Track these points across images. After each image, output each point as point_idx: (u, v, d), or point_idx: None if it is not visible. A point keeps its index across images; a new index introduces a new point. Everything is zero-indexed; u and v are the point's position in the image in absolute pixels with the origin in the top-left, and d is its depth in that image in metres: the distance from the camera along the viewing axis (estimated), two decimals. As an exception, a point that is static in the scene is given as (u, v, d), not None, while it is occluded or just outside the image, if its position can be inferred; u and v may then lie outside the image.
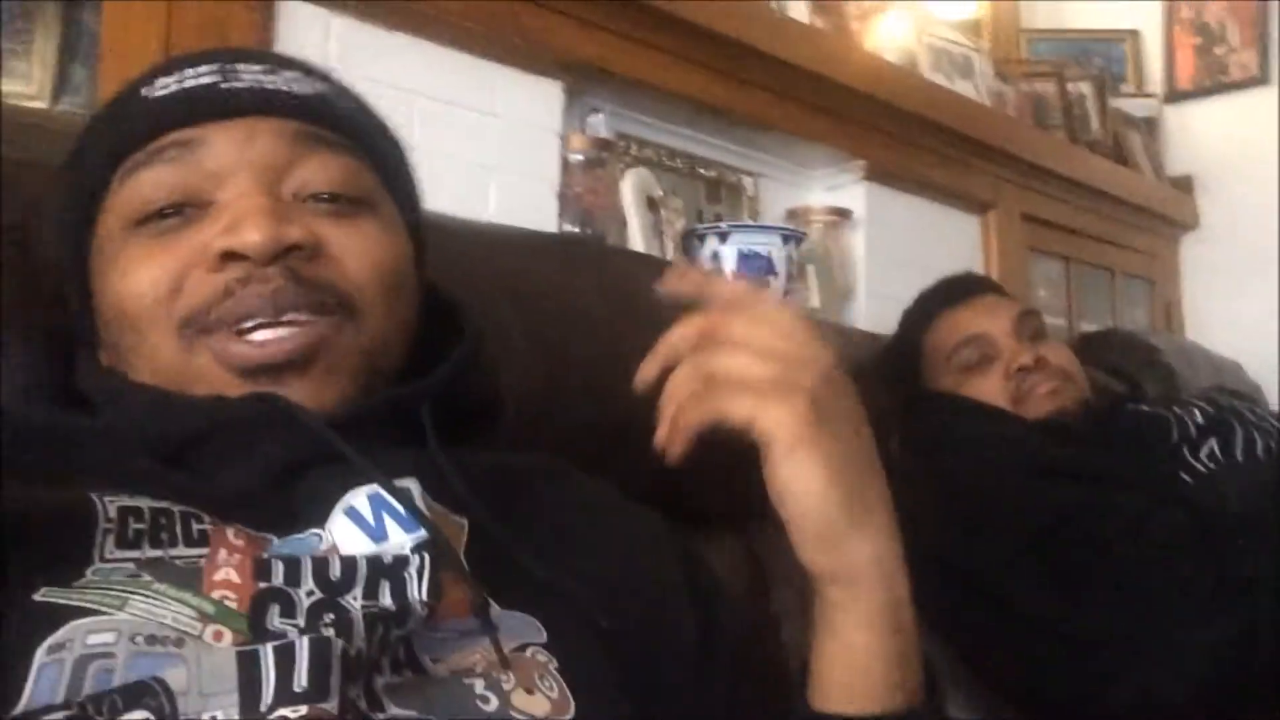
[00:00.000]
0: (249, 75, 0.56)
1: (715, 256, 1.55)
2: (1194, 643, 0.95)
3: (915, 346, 1.35)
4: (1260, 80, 2.58)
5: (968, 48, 2.15)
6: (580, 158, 1.47)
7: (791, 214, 1.85)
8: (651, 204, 1.57)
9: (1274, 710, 0.98)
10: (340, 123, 0.58)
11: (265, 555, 0.47)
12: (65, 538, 0.44)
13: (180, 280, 0.52)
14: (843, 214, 1.86)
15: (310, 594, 0.46)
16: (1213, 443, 1.19)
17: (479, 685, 0.46)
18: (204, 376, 0.52)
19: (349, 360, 0.54)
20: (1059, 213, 2.30)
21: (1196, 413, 1.23)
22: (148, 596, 0.43)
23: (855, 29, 1.97)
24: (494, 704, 0.45)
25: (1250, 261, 2.56)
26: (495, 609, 0.50)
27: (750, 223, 1.71)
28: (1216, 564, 0.98)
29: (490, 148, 1.36)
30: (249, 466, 0.50)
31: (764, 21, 1.65)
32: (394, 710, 0.43)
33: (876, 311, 1.80)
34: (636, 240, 1.51)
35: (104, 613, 0.42)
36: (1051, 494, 1.09)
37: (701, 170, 1.77)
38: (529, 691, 0.47)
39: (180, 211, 0.53)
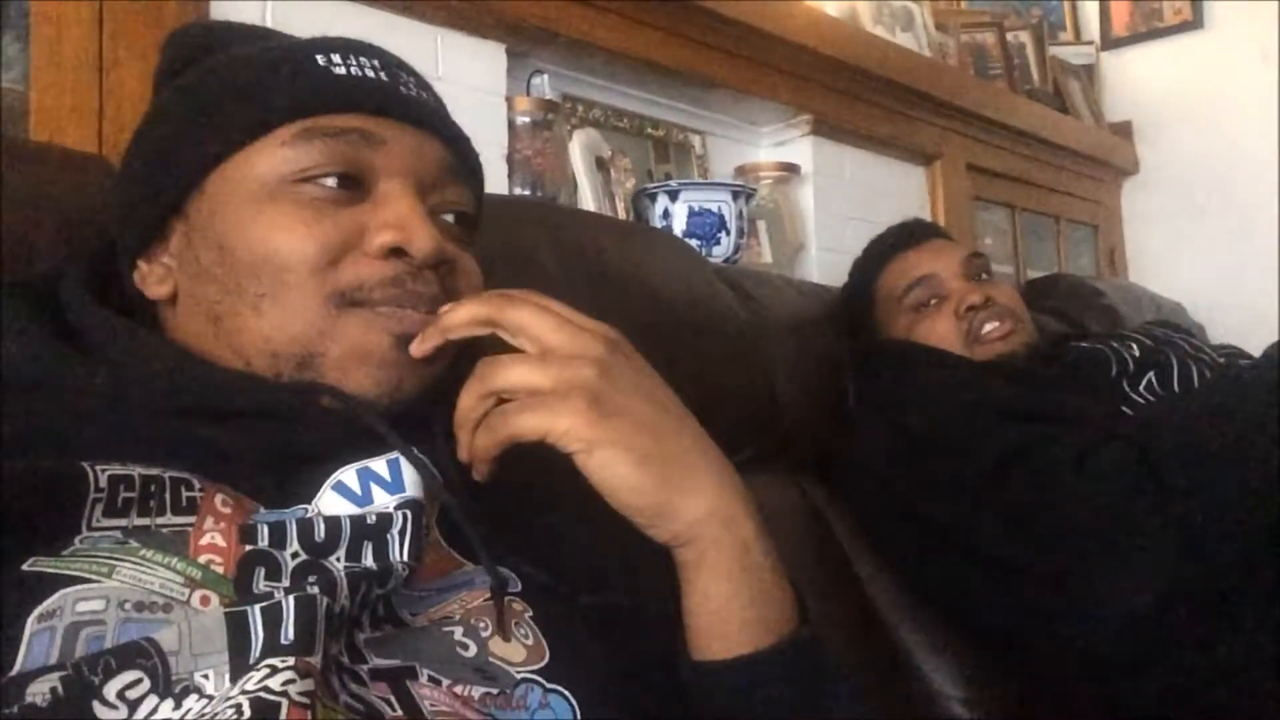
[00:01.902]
0: (412, 85, 0.62)
1: (666, 215, 1.56)
2: (1138, 569, 0.98)
3: (868, 291, 1.38)
4: (1194, 25, 2.63)
5: (908, 0, 2.16)
6: (527, 120, 1.46)
7: (740, 171, 1.86)
8: (601, 164, 1.57)
9: (1214, 641, 1.02)
10: (470, 160, 0.64)
11: (251, 521, 0.48)
12: (55, 507, 0.45)
13: (338, 254, 0.55)
14: (791, 169, 1.87)
15: (295, 556, 0.47)
16: (1151, 375, 1.23)
17: (458, 632, 0.48)
18: (350, 342, 0.55)
19: (445, 359, 0.57)
20: (1003, 162, 2.33)
21: (1134, 346, 1.27)
22: (135, 563, 0.44)
23: (797, -16, 1.98)
24: (473, 650, 0.47)
25: (1189, 204, 2.62)
26: (470, 566, 0.52)
27: (700, 180, 1.72)
28: (1159, 494, 1.01)
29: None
30: (266, 446, 0.52)
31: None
32: (376, 661, 0.44)
33: (828, 264, 1.83)
34: (587, 201, 1.51)
35: (92, 580, 0.43)
36: (1002, 434, 1.11)
37: (649, 130, 1.78)
38: (506, 638, 0.49)
39: (345, 186, 0.57)
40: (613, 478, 0.50)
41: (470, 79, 1.40)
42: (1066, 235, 2.57)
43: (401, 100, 0.60)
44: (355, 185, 0.57)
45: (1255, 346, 1.21)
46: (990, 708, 1.15)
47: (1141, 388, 1.22)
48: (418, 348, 0.54)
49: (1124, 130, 2.71)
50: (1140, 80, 2.74)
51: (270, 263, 0.55)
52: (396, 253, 0.56)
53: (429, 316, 0.55)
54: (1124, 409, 1.20)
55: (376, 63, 0.61)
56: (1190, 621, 1.00)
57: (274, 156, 0.56)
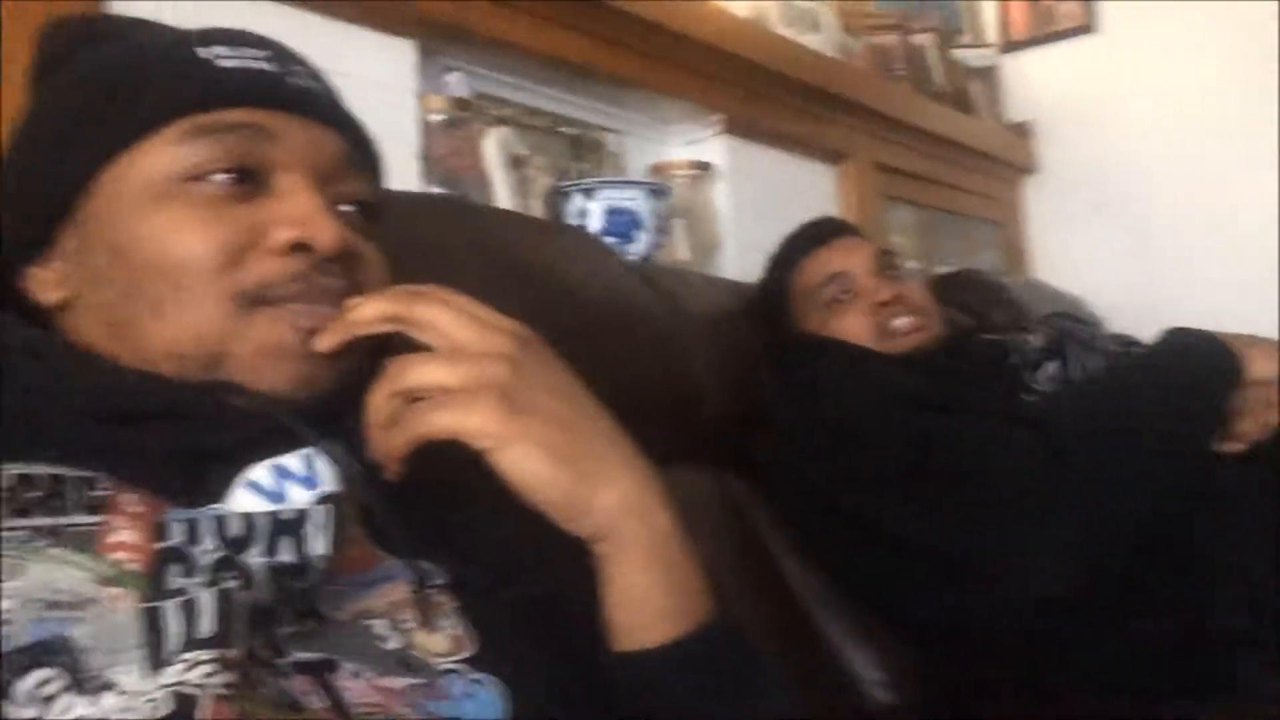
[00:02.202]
0: (304, 75, 0.61)
1: (583, 213, 1.56)
2: (1048, 552, 1.02)
3: (783, 288, 1.40)
4: (1087, 28, 2.73)
5: (815, 2, 2.20)
6: (440, 118, 1.45)
7: (654, 169, 1.87)
8: (515, 163, 1.57)
9: (1125, 618, 1.06)
10: (367, 149, 0.64)
11: (163, 518, 0.47)
12: None
13: (239, 253, 0.54)
14: (704, 168, 1.89)
15: (211, 552, 0.46)
16: (1052, 365, 1.27)
17: (380, 625, 0.48)
18: (257, 341, 0.54)
19: (356, 354, 0.56)
20: (909, 161, 2.38)
21: (1035, 338, 1.32)
22: (44, 562, 0.43)
23: (707, -15, 2.00)
24: (396, 642, 0.47)
25: (1087, 202, 2.71)
26: (391, 560, 0.52)
27: (616, 179, 1.72)
28: (1064, 479, 1.05)
29: (348, 112, 1.33)
30: (174, 447, 0.51)
31: (618, -22, 1.65)
32: (297, 654, 0.44)
33: (743, 262, 1.85)
34: (503, 200, 1.51)
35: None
36: (914, 425, 1.14)
37: (563, 128, 1.78)
38: (430, 630, 0.48)
39: (241, 182, 0.56)
40: (526, 474, 0.50)
41: (380, 76, 1.38)
42: (971, 232, 2.64)
43: (293, 91, 0.59)
44: (251, 181, 0.56)
45: (1148, 337, 1.27)
46: (909, 691, 1.18)
47: (1044, 377, 1.27)
48: (322, 342, 0.54)
49: (1024, 130, 2.80)
50: (1038, 82, 2.83)
51: (168, 266, 0.54)
52: (299, 248, 0.55)
53: (336, 310, 0.55)
54: (1028, 398, 1.24)
55: (264, 53, 0.59)
56: (1101, 601, 1.04)
57: (163, 155, 0.55)
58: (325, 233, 0.55)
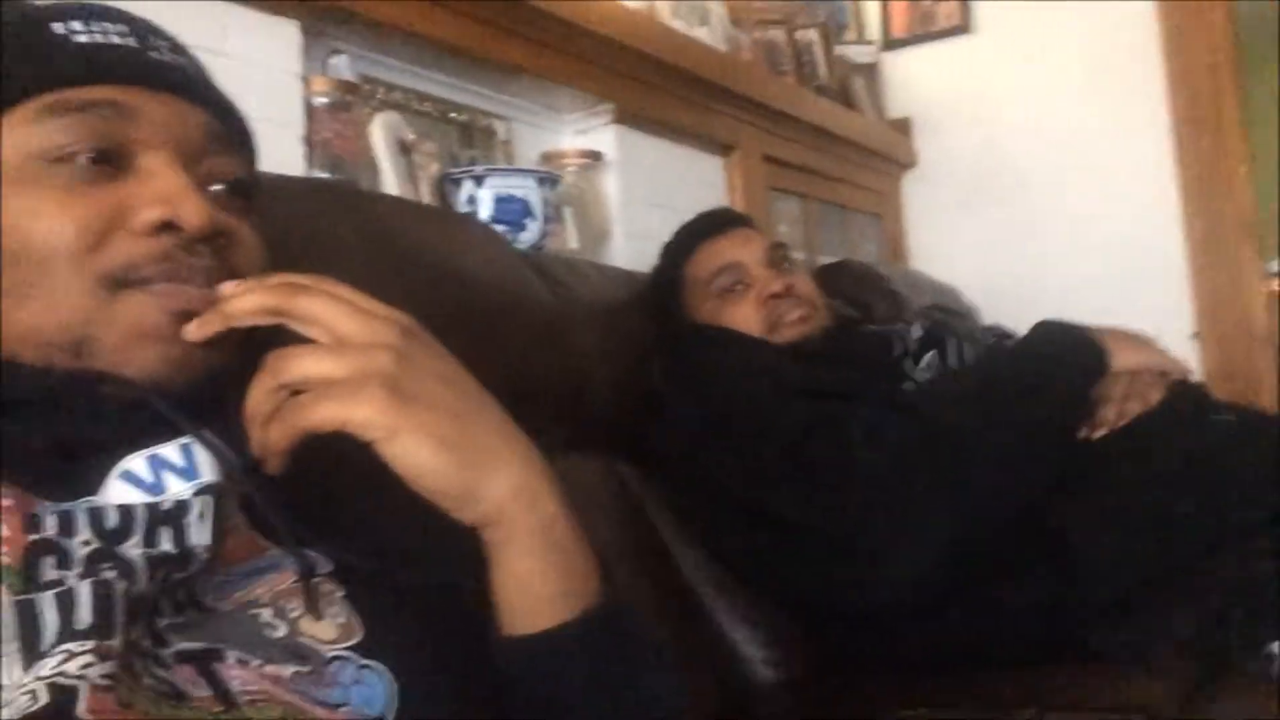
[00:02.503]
0: (166, 50, 0.58)
1: (472, 200, 1.55)
2: (920, 531, 1.06)
3: (677, 275, 1.43)
4: (964, 29, 2.83)
5: (704, -4, 2.22)
6: (325, 101, 1.42)
7: (545, 157, 1.87)
8: (403, 148, 1.55)
9: (991, 592, 1.11)
10: (237, 126, 0.62)
11: (35, 511, 0.46)
12: None
13: (102, 236, 0.53)
14: (594, 156, 1.89)
15: (86, 544, 0.45)
16: (930, 355, 1.33)
17: (266, 614, 0.47)
18: (125, 324, 0.52)
19: (234, 339, 0.55)
20: (795, 153, 2.43)
21: (915, 329, 1.37)
22: None
23: (598, -26, 2.00)
24: (282, 630, 0.47)
25: (963, 196, 2.82)
26: (276, 550, 0.51)
27: (506, 166, 1.71)
28: (938, 462, 1.09)
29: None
30: (46, 438, 0.49)
31: (509, -35, 1.64)
32: (180, 644, 0.43)
33: (632, 250, 1.86)
34: (390, 185, 1.49)
35: None
36: (799, 411, 1.18)
37: (453, 115, 1.76)
38: (316, 617, 0.48)
39: (101, 162, 0.54)
40: (415, 463, 0.50)
41: (263, 57, 1.35)
42: (854, 224, 2.71)
43: (154, 66, 0.57)
44: (112, 161, 0.54)
45: (1022, 325, 1.33)
46: (792, 667, 1.21)
47: (922, 367, 1.32)
48: (195, 331, 0.52)
49: (903, 126, 2.88)
50: (918, 79, 2.92)
51: (29, 251, 0.51)
52: (166, 228, 0.53)
53: (207, 291, 0.53)
54: (907, 385, 1.29)
55: (123, 27, 0.57)
56: (970, 575, 1.09)
57: (18, 135, 0.53)
58: (191, 211, 0.53)
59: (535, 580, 0.53)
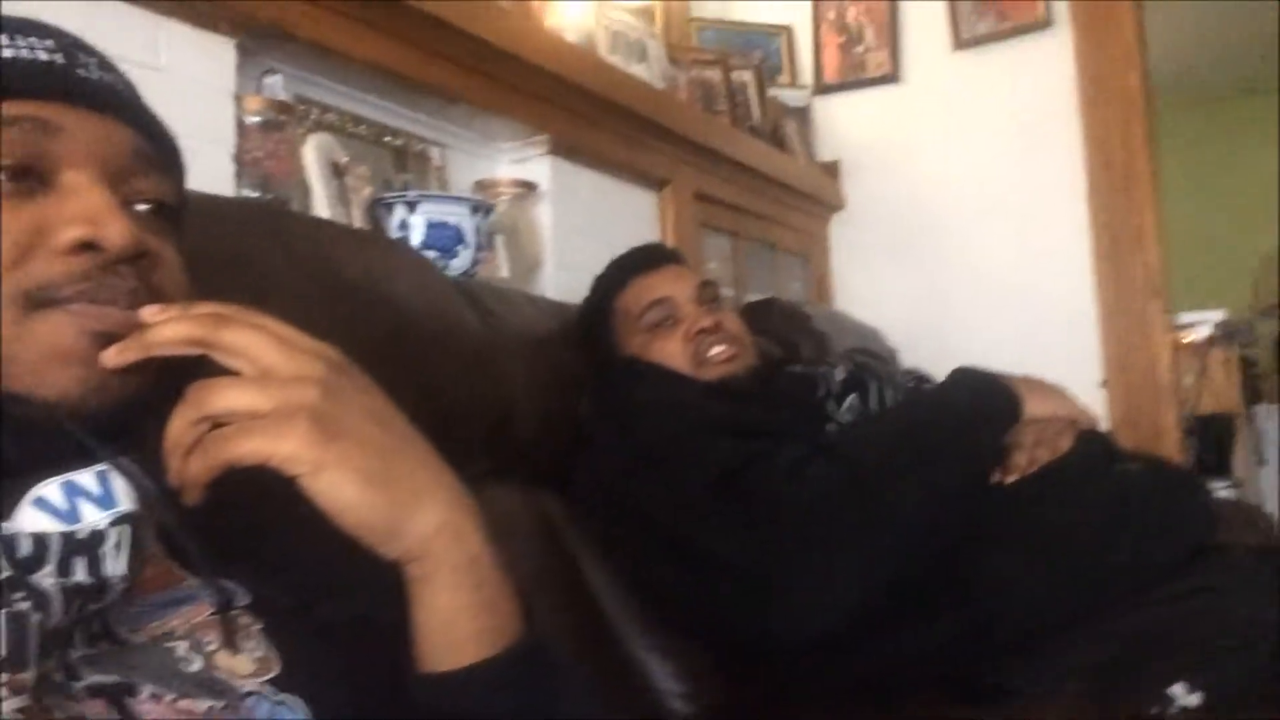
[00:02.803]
0: (94, 67, 0.58)
1: (404, 226, 1.55)
2: (841, 570, 1.08)
3: (607, 309, 1.44)
4: (893, 78, 2.91)
5: (642, 33, 2.25)
6: (257, 120, 1.40)
7: (479, 185, 1.87)
8: (336, 171, 1.53)
9: (909, 628, 1.14)
10: (166, 146, 0.61)
11: None
12: None
13: (22, 253, 0.52)
14: (529, 187, 1.90)
15: None
16: (852, 398, 1.35)
17: (181, 647, 0.46)
18: (41, 345, 0.51)
19: (154, 365, 0.53)
20: (726, 192, 2.47)
21: (839, 371, 1.40)
22: None
23: (537, 8, 2.02)
24: (197, 664, 0.46)
25: (888, 240, 2.88)
26: (194, 581, 0.50)
27: (439, 193, 1.71)
28: (858, 503, 1.11)
29: (153, 106, 1.27)
30: None
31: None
32: (92, 678, 0.42)
33: (563, 282, 1.87)
34: (322, 208, 1.47)
35: None
36: (724, 449, 1.19)
37: (388, 139, 1.75)
38: (233, 651, 0.47)
39: (22, 179, 0.53)
40: (340, 500, 0.49)
41: (196, 73, 1.33)
42: (782, 263, 2.76)
43: (80, 83, 0.56)
44: (33, 178, 0.53)
45: (942, 367, 1.37)
46: (709, 701, 1.22)
47: (844, 408, 1.35)
48: (113, 357, 0.51)
49: (833, 169, 2.94)
50: (847, 124, 2.99)
51: None
52: (88, 247, 0.52)
53: (129, 313, 0.52)
54: (829, 428, 1.32)
55: (50, 43, 0.56)
56: (888, 613, 1.11)
57: None
58: (114, 231, 0.52)
59: (458, 617, 0.53)
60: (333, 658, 0.52)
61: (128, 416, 0.53)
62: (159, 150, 0.60)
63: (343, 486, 0.49)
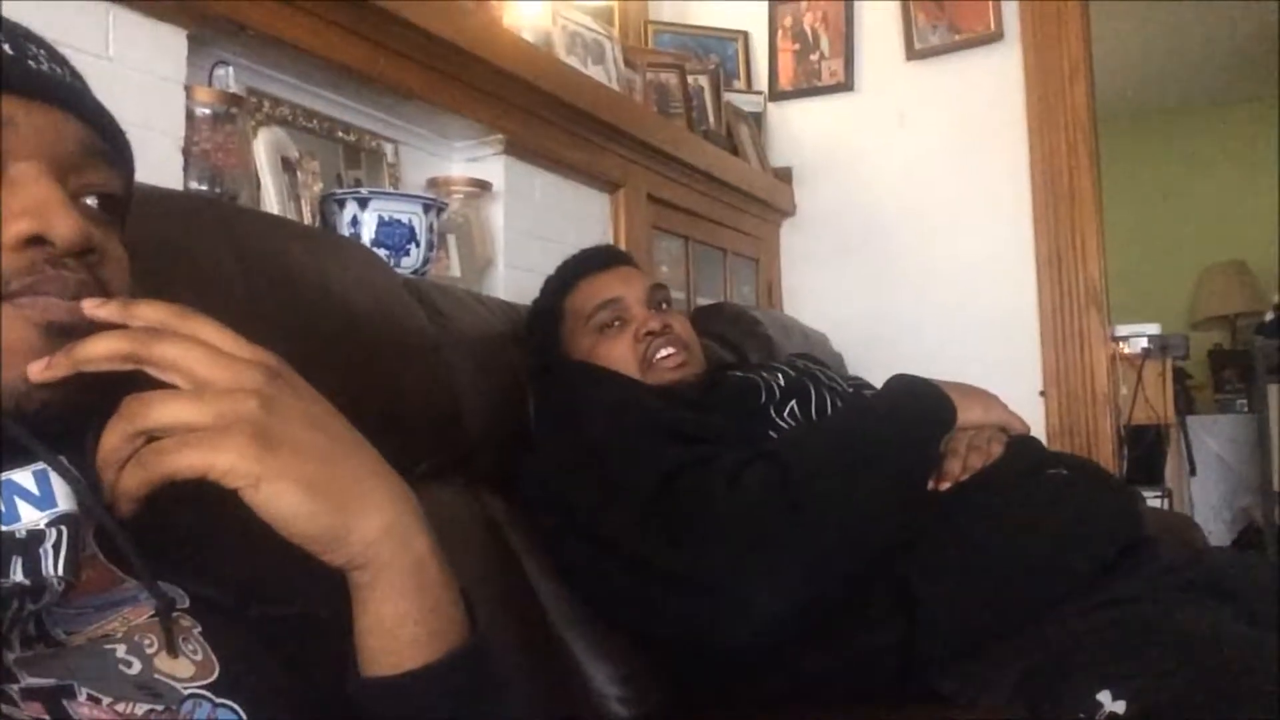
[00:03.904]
0: (44, 59, 0.57)
1: (355, 222, 1.54)
2: (779, 575, 1.09)
3: (557, 308, 1.44)
4: (846, 86, 2.94)
5: (600, 34, 2.26)
6: (207, 112, 1.39)
7: (432, 183, 1.86)
8: (287, 165, 1.52)
9: (846, 635, 1.16)
10: (115, 139, 0.60)
11: None
12: None
13: None
14: (483, 186, 1.90)
15: None
16: (794, 403, 1.37)
17: (120, 650, 0.46)
18: None
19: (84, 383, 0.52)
20: (680, 195, 2.48)
21: (780, 377, 1.42)
22: None
23: (494, 7, 2.02)
24: (137, 667, 0.46)
25: (837, 246, 2.92)
26: (133, 583, 0.50)
27: (392, 190, 1.71)
28: (797, 508, 1.13)
29: (101, 95, 1.25)
30: None
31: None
32: (29, 680, 0.42)
33: (514, 281, 1.87)
34: (271, 202, 1.46)
35: None
36: (666, 452, 1.20)
37: (341, 134, 1.74)
38: (174, 654, 0.48)
39: None
40: (283, 510, 0.49)
41: (145, 63, 1.31)
42: (732, 267, 2.78)
43: (30, 75, 0.55)
44: None
45: (888, 372, 1.39)
46: (647, 706, 1.23)
47: (786, 414, 1.36)
48: (39, 373, 0.50)
49: (785, 175, 2.97)
50: (800, 131, 3.02)
51: None
52: (35, 241, 0.51)
53: (74, 304, 0.52)
54: (771, 432, 1.33)
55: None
56: (825, 620, 1.13)
57: None
58: (63, 225, 0.51)
59: (399, 622, 0.53)
60: (271, 662, 0.52)
61: (69, 416, 0.52)
62: (108, 143, 0.59)
63: (284, 497, 0.49)
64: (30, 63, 0.56)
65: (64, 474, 0.50)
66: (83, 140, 0.57)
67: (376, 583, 0.52)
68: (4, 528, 0.47)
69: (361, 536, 0.51)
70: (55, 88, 0.56)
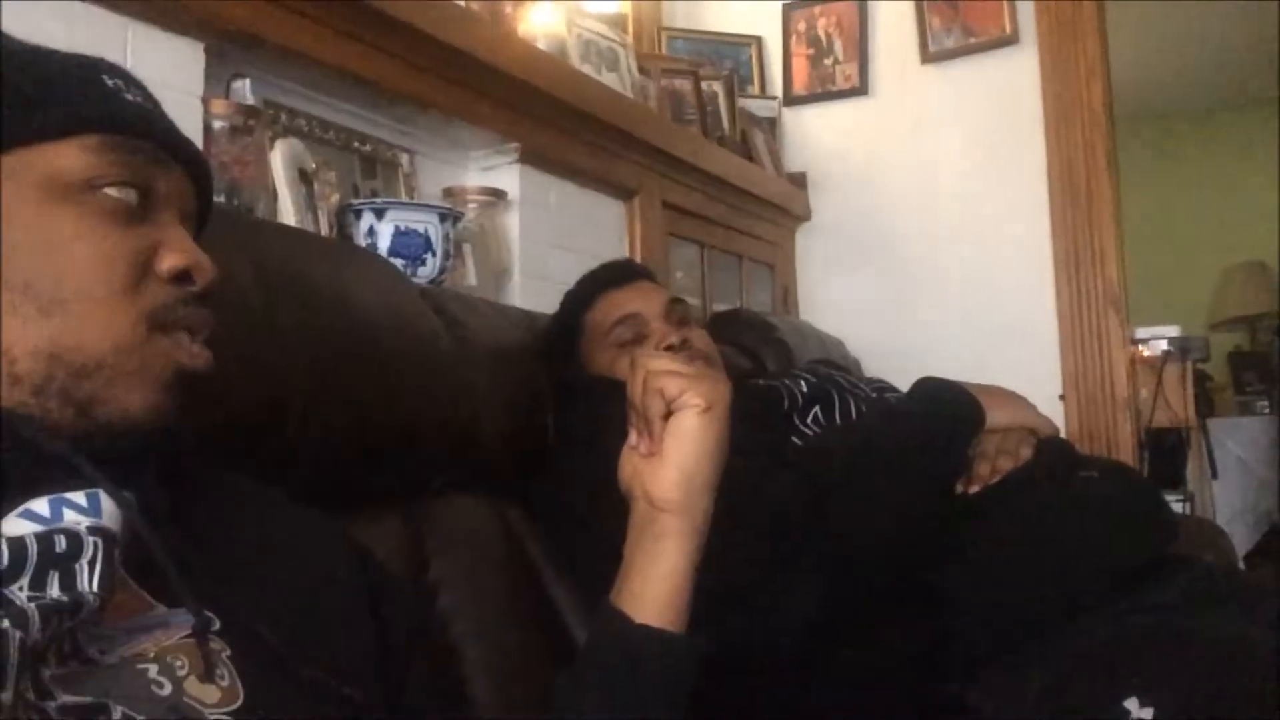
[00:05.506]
0: (169, 120, 0.65)
1: (372, 233, 1.54)
2: (805, 582, 1.09)
3: (577, 322, 1.44)
4: (861, 91, 2.94)
5: (614, 41, 2.26)
6: (224, 125, 1.39)
7: (448, 193, 1.86)
8: (304, 177, 1.53)
9: (869, 642, 1.15)
10: (207, 196, 0.67)
11: None
12: None
13: (140, 274, 0.57)
14: (498, 195, 1.90)
15: None
16: (816, 409, 1.37)
17: (153, 670, 0.47)
18: (151, 364, 0.56)
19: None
20: (695, 202, 2.48)
21: (802, 383, 1.41)
22: None
23: (508, 15, 2.02)
24: (168, 689, 0.46)
25: (853, 251, 2.91)
26: (162, 609, 0.51)
27: (408, 200, 1.71)
28: (823, 515, 1.12)
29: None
30: None
31: (423, 1, 1.64)
32: (65, 698, 0.43)
33: (531, 290, 1.87)
34: (289, 214, 1.46)
35: None
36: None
37: (357, 145, 1.74)
38: (204, 679, 0.48)
39: (139, 200, 0.58)
40: (710, 431, 0.75)
41: (163, 76, 1.32)
42: (748, 273, 2.77)
43: (175, 136, 0.62)
44: (145, 203, 0.58)
45: (905, 378, 1.38)
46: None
47: (809, 420, 1.36)
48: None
49: (800, 180, 2.97)
50: (815, 136, 3.01)
51: (79, 276, 0.54)
52: (181, 278, 0.58)
53: (203, 349, 0.58)
54: (795, 440, 1.33)
55: (143, 95, 0.63)
56: (849, 627, 1.12)
57: (72, 159, 0.56)
58: (206, 268, 0.58)
59: (684, 584, 0.73)
60: (296, 690, 0.52)
61: (126, 446, 0.55)
62: (202, 203, 0.66)
63: (715, 424, 0.74)
64: (166, 123, 0.63)
65: (115, 496, 0.51)
66: (194, 198, 0.64)
67: (682, 539, 0.72)
68: (45, 528, 0.48)
69: (700, 497, 0.74)
70: (188, 150, 0.63)
